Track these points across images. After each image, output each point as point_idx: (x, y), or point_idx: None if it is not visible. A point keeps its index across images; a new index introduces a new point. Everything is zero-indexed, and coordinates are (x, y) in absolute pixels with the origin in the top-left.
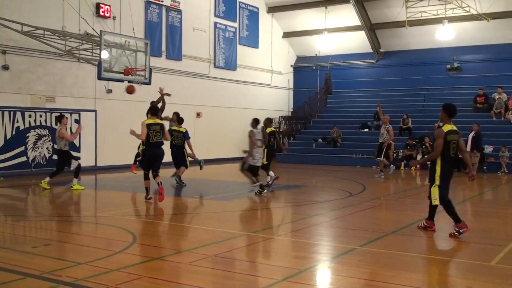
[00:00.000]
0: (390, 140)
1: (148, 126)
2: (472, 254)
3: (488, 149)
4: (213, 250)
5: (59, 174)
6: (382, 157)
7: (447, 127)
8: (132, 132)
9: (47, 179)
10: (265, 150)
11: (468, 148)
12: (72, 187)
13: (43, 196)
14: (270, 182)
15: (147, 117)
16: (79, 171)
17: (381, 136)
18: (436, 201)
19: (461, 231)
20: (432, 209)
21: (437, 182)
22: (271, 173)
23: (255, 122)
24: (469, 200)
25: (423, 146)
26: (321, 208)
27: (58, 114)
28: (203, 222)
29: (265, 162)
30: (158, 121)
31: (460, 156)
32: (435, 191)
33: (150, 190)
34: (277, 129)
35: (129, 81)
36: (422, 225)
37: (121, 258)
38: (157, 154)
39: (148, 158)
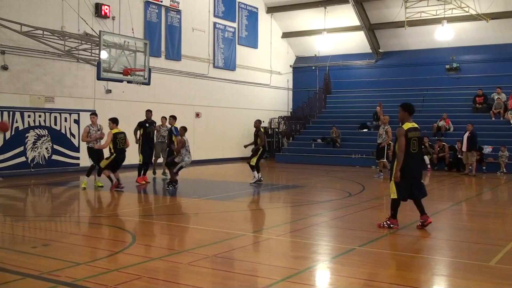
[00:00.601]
0: (389, 141)
1: (115, 135)
2: (471, 254)
3: (487, 149)
4: (212, 250)
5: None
6: (384, 158)
7: (408, 125)
8: (99, 146)
9: (97, 177)
10: (261, 150)
11: (464, 148)
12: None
13: (45, 196)
14: (253, 181)
15: (110, 126)
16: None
17: (379, 136)
18: (394, 195)
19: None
20: (393, 205)
21: (397, 179)
22: (255, 173)
23: (184, 130)
24: (468, 200)
25: (422, 147)
26: (320, 208)
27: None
28: (202, 222)
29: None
30: (121, 130)
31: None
32: (392, 186)
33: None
34: (277, 129)
35: (128, 81)
36: (385, 224)
37: (121, 258)
38: (124, 158)
39: (118, 161)
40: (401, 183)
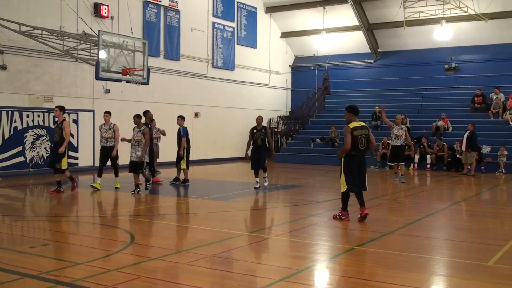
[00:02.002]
0: (409, 143)
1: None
2: (470, 254)
3: (486, 149)
4: (211, 250)
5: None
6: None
7: (354, 124)
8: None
9: (117, 179)
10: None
11: (464, 148)
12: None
13: (43, 196)
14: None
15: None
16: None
17: (398, 138)
18: (343, 188)
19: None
20: (343, 198)
21: (343, 172)
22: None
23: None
24: (467, 200)
25: (421, 146)
26: (319, 208)
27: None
28: (201, 222)
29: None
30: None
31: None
32: (342, 180)
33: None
34: (276, 129)
35: (127, 81)
36: (338, 216)
37: (119, 258)
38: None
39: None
40: (350, 177)
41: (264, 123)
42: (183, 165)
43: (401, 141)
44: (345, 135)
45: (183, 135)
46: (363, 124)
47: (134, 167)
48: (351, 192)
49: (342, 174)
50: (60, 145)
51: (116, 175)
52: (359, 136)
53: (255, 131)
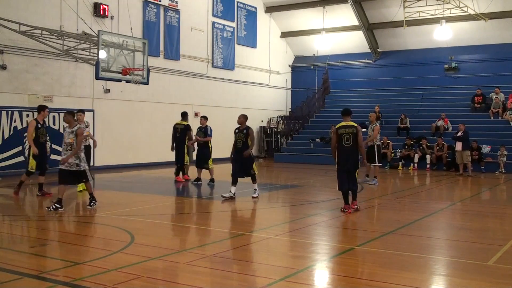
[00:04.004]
0: (370, 140)
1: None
2: (470, 254)
3: (486, 149)
4: (211, 249)
5: None
6: (376, 161)
7: (340, 124)
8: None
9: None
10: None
11: (459, 148)
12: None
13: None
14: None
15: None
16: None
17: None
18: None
19: (344, 210)
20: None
21: (336, 172)
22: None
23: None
24: (467, 200)
25: (421, 147)
26: (319, 208)
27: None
28: (201, 222)
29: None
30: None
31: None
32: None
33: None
34: (275, 129)
35: (127, 81)
36: (342, 209)
37: (119, 258)
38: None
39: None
40: (339, 178)
41: (264, 123)
42: (211, 164)
43: (375, 141)
44: (331, 134)
45: (209, 135)
46: (351, 123)
47: (76, 177)
48: (340, 190)
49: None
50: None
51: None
52: (343, 134)
53: (236, 131)
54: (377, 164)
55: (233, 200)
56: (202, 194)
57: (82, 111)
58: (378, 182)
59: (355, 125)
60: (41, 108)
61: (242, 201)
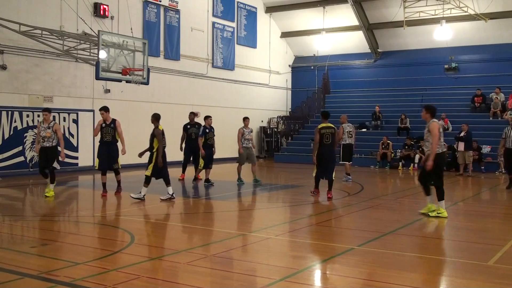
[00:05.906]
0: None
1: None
2: (470, 254)
3: (486, 149)
4: (211, 250)
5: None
6: (348, 159)
7: (322, 125)
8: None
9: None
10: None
11: (462, 148)
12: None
13: (43, 196)
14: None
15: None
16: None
17: (351, 136)
18: (314, 173)
19: (314, 193)
20: (315, 180)
21: (316, 162)
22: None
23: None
24: (466, 200)
25: (420, 149)
26: (319, 208)
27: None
28: (201, 222)
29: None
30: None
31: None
32: (314, 169)
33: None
34: (275, 129)
35: (127, 81)
36: (312, 192)
37: (119, 258)
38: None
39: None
40: (319, 167)
41: (264, 123)
42: (201, 164)
43: (350, 140)
44: (315, 134)
45: (200, 135)
46: (330, 125)
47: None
48: (319, 177)
49: (315, 163)
50: None
51: (52, 181)
52: (324, 134)
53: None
54: (346, 162)
55: (233, 200)
56: (201, 194)
57: (49, 110)
58: (351, 178)
59: (333, 126)
60: (105, 109)
61: (241, 201)
